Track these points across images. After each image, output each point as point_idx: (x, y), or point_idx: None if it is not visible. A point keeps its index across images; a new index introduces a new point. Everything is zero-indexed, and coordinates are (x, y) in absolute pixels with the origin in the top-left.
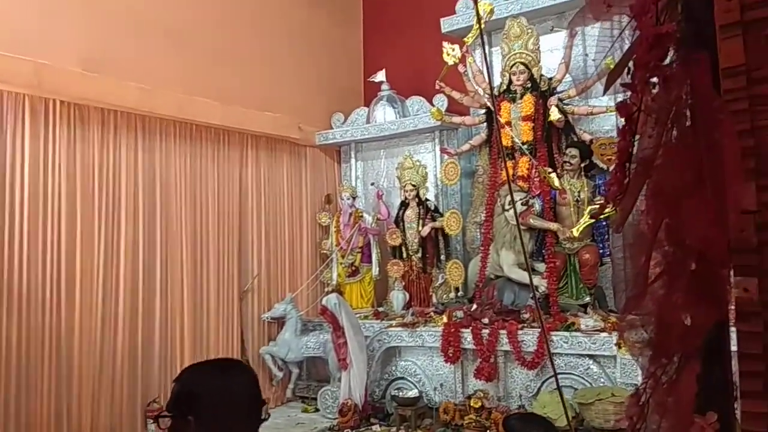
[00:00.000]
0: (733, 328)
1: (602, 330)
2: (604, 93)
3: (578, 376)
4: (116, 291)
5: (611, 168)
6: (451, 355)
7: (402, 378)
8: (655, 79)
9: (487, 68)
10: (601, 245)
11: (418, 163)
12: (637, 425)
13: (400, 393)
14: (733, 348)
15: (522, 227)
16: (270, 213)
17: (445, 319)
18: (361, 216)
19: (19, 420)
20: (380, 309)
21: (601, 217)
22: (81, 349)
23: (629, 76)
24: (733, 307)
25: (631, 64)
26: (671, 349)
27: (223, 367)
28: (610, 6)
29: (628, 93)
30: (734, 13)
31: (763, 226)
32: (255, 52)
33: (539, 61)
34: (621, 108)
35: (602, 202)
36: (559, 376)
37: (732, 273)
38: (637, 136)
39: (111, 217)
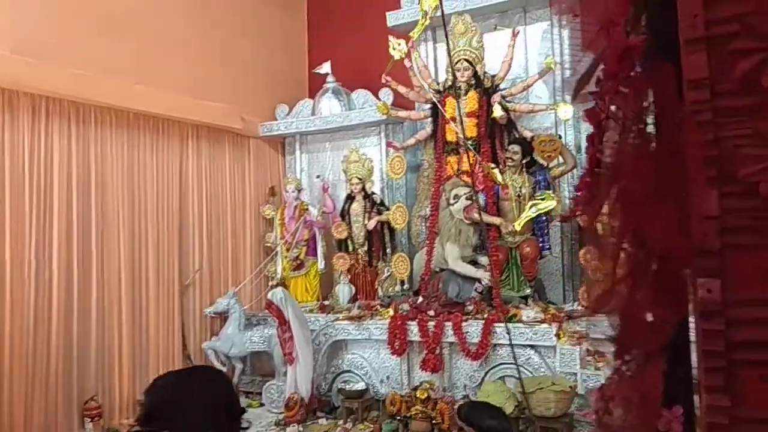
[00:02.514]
0: (692, 326)
1: (543, 321)
2: (572, 100)
3: (520, 365)
4: (49, 286)
5: (550, 164)
6: (397, 347)
7: (348, 371)
8: (623, 89)
9: (451, 56)
10: (540, 239)
11: (364, 157)
12: (603, 419)
13: (347, 386)
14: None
15: (466, 221)
16: (212, 205)
17: (391, 311)
18: (307, 209)
19: None
20: (326, 302)
21: (541, 211)
22: (12, 346)
23: (595, 85)
24: (693, 307)
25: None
26: (633, 345)
27: (195, 376)
28: (576, 15)
29: (593, 101)
30: (699, 29)
31: (725, 231)
32: (196, 40)
33: (483, 59)
34: (590, 116)
35: (570, 206)
36: (502, 366)
37: (692, 274)
38: (604, 143)
39: (43, 209)
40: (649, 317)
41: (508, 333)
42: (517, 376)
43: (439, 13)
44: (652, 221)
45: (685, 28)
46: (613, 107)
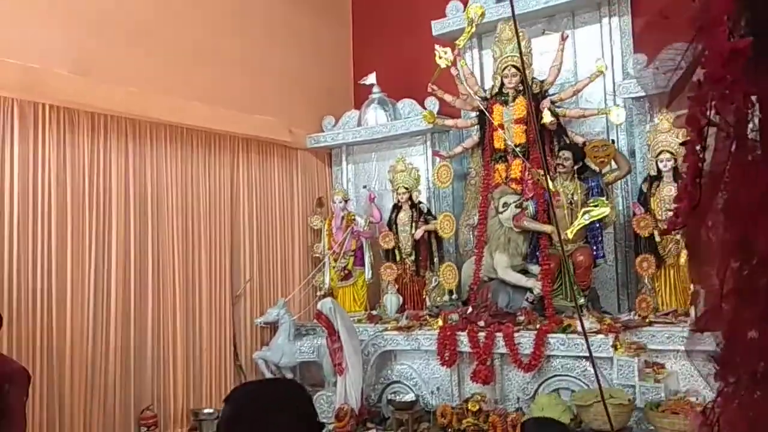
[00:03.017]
0: None
1: (598, 332)
2: (668, 106)
3: (575, 377)
4: (107, 297)
5: (603, 170)
6: (447, 358)
7: (398, 382)
8: (726, 93)
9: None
10: (594, 247)
11: (410, 166)
12: None
13: (397, 397)
14: None
15: (516, 229)
16: (261, 217)
17: (440, 322)
18: (354, 219)
19: None
20: (374, 312)
21: (594, 218)
22: (72, 356)
23: (694, 89)
24: None
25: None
26: (739, 366)
27: (276, 388)
28: (666, 17)
29: (692, 107)
30: None
31: None
32: (244, 55)
33: (531, 64)
34: (691, 122)
35: (671, 218)
36: (556, 378)
37: None
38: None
39: (102, 223)
40: (755, 335)
41: (587, 345)
42: (593, 382)
43: (484, 21)
44: (761, 233)
45: None
46: (714, 113)
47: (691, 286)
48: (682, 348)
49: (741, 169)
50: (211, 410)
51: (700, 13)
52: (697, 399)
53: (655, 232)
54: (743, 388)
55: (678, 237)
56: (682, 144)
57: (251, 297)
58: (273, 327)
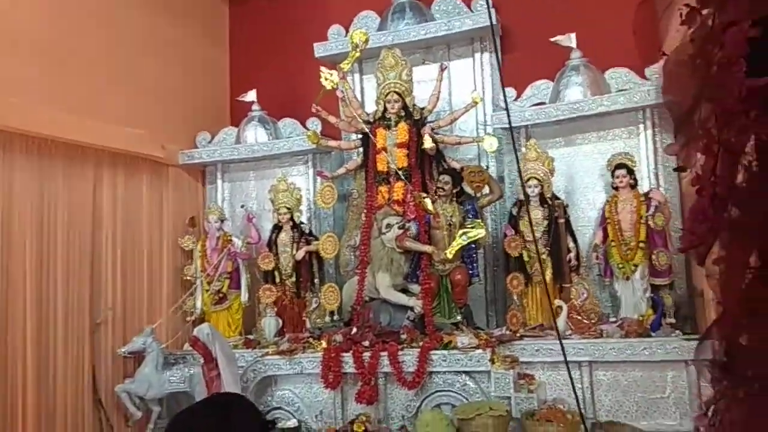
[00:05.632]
0: None
1: (477, 347)
2: (675, 135)
3: (456, 392)
4: None
5: (478, 194)
6: (331, 380)
7: (279, 408)
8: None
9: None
10: (469, 266)
11: (292, 186)
12: None
13: (279, 424)
14: None
15: (398, 250)
16: (127, 236)
17: (324, 344)
18: (230, 240)
19: None
20: (250, 337)
21: (472, 239)
22: None
23: (706, 121)
24: None
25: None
26: (735, 370)
27: (221, 404)
28: (664, 54)
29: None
30: None
31: None
32: (114, 64)
33: (412, 91)
34: (706, 151)
35: (686, 236)
36: (438, 394)
37: None
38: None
39: None
40: (744, 340)
41: (565, 356)
42: (472, 396)
43: (368, 46)
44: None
45: None
46: (723, 143)
47: (555, 302)
48: (549, 359)
49: (747, 193)
50: None
51: (717, 52)
52: (564, 407)
53: (524, 252)
54: (738, 388)
55: (544, 257)
56: (677, 170)
57: (114, 324)
58: (138, 357)
